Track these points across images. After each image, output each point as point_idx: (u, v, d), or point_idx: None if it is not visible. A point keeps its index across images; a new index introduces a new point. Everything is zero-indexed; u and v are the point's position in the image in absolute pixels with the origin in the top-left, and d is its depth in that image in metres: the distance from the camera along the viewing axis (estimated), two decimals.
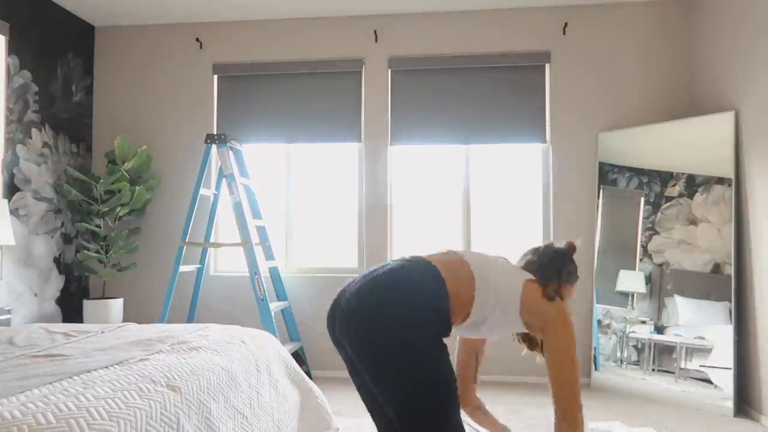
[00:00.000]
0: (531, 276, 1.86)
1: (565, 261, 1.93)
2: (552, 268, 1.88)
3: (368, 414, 3.24)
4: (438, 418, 1.60)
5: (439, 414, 1.60)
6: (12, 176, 3.61)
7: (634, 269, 3.74)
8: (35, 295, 3.80)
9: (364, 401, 1.85)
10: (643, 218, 3.75)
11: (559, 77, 4.13)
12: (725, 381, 3.26)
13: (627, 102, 4.06)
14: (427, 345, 1.61)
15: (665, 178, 3.68)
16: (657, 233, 3.68)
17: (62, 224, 4.07)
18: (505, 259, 1.92)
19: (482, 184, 4.27)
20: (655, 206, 3.71)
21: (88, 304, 3.90)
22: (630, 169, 3.84)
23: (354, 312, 1.65)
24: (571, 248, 2.00)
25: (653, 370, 3.58)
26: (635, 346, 3.68)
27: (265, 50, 4.32)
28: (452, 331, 1.78)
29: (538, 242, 4.16)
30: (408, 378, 1.59)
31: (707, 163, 3.50)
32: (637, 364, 3.66)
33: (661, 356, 3.56)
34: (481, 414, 2.13)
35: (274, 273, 4.05)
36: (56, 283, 4.01)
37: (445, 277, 1.73)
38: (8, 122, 3.58)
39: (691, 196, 3.56)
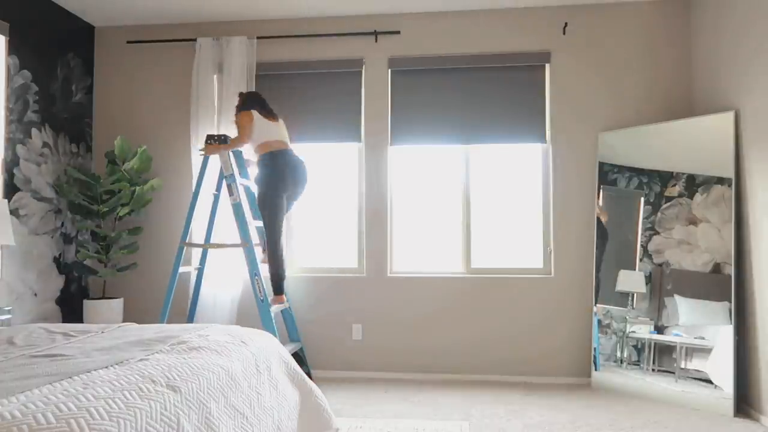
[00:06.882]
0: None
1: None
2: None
3: (368, 414, 3.24)
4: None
5: None
6: (12, 176, 3.61)
7: (634, 269, 3.74)
8: (35, 295, 3.80)
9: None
10: (643, 218, 3.75)
11: (559, 77, 4.13)
12: (725, 381, 3.26)
13: (627, 102, 4.06)
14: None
15: (665, 178, 3.68)
16: (657, 233, 3.68)
17: (62, 224, 4.06)
18: None
19: (482, 184, 4.27)
20: (655, 206, 3.71)
21: (88, 304, 3.90)
22: (630, 169, 3.84)
23: None
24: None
25: (653, 370, 3.58)
26: (635, 346, 3.68)
27: (266, 50, 4.31)
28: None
29: (538, 243, 4.16)
30: None
31: (707, 163, 3.50)
32: (637, 364, 3.66)
33: (661, 356, 3.56)
34: None
35: None
36: (56, 283, 4.01)
37: None
38: (8, 122, 3.58)
39: (691, 196, 3.56)
